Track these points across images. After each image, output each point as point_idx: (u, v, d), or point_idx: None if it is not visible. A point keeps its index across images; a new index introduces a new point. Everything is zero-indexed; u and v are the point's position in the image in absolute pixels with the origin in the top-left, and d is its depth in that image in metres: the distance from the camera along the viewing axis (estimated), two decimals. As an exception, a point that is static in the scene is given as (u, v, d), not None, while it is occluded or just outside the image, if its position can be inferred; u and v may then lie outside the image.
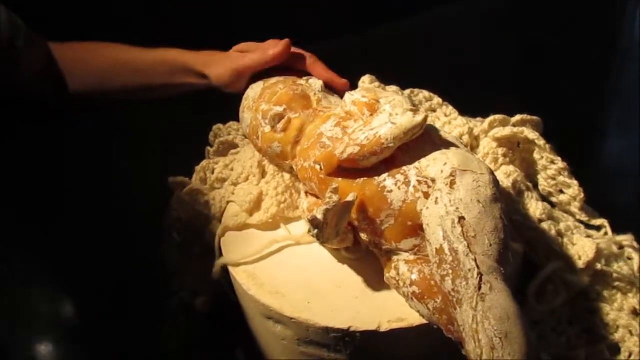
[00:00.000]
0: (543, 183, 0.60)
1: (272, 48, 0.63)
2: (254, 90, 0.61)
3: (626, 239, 0.57)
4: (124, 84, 0.70)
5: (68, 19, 0.82)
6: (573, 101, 0.99)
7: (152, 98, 0.73)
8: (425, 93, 0.67)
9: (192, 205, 0.64)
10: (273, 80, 0.60)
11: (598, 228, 0.59)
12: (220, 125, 0.73)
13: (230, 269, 0.55)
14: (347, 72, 0.66)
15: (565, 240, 0.55)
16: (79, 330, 0.70)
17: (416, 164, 0.45)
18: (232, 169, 0.65)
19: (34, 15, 0.69)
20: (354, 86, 0.65)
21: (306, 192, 0.56)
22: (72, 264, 0.73)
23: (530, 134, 0.58)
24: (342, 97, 0.61)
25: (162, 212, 0.67)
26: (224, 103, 0.68)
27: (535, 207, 0.56)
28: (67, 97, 0.70)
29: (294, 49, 0.64)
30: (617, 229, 0.59)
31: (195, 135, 0.76)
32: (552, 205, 0.59)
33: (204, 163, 0.68)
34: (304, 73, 0.64)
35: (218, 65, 0.65)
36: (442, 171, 0.43)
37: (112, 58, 0.70)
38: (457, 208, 0.41)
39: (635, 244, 0.57)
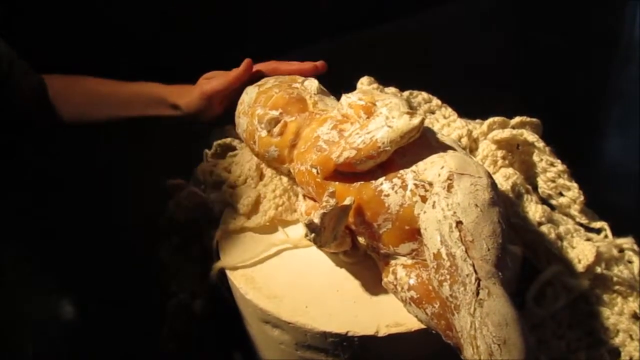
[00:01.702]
0: (542, 185, 0.59)
1: (234, 70, 0.66)
2: (249, 94, 0.60)
3: (626, 242, 0.57)
4: (105, 116, 0.74)
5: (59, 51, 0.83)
6: (573, 101, 0.99)
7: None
8: (424, 94, 0.66)
9: (190, 208, 0.63)
10: (268, 84, 0.60)
11: (598, 231, 0.59)
12: (218, 128, 0.72)
13: (228, 272, 0.54)
14: (346, 72, 0.66)
15: (565, 243, 0.54)
16: (79, 330, 0.70)
17: (413, 167, 0.45)
18: (230, 172, 0.65)
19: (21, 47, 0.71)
20: (353, 87, 0.65)
21: (304, 195, 0.56)
22: (72, 265, 0.73)
23: (530, 136, 0.58)
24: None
25: (161, 215, 0.66)
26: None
27: (534, 210, 0.56)
28: (55, 126, 0.73)
29: (256, 66, 0.67)
30: (617, 231, 0.59)
31: (194, 137, 0.76)
32: (552, 207, 0.59)
33: (202, 166, 0.68)
34: None
35: (187, 95, 0.69)
36: (439, 175, 0.43)
37: (93, 92, 0.75)
38: (455, 212, 0.40)
39: (635, 247, 0.57)
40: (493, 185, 0.43)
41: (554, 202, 0.59)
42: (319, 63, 0.66)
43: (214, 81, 0.67)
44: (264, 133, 0.56)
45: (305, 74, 0.64)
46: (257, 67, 0.68)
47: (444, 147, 0.46)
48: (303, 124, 0.54)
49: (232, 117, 0.64)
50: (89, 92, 0.74)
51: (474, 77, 1.05)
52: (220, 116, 0.70)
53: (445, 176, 0.43)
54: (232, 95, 0.67)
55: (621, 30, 1.26)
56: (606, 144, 0.98)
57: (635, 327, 0.52)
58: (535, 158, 0.59)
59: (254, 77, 0.66)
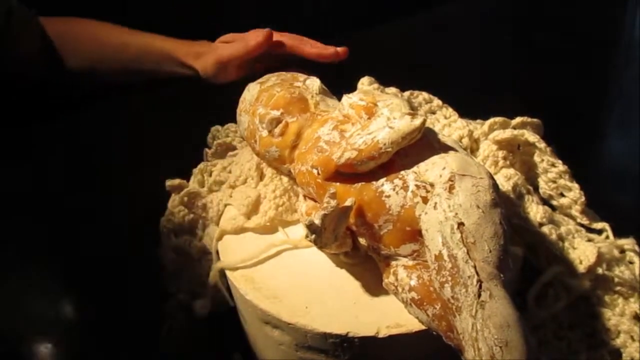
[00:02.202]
0: (543, 186, 0.59)
1: (254, 38, 0.63)
2: (250, 92, 0.60)
3: (627, 242, 0.57)
4: (115, 66, 0.71)
5: None
6: (573, 101, 0.99)
7: (144, 79, 0.73)
8: (425, 95, 0.66)
9: (190, 208, 0.63)
10: (270, 82, 0.60)
11: (599, 231, 0.58)
12: (218, 127, 0.72)
13: (228, 273, 0.54)
14: (347, 72, 0.66)
15: (566, 244, 0.54)
16: (79, 330, 0.70)
17: (414, 168, 0.45)
18: (230, 172, 0.65)
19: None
20: (353, 87, 0.65)
21: (304, 196, 0.56)
22: (71, 264, 0.72)
23: (531, 136, 0.58)
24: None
25: (160, 214, 0.66)
26: (223, 104, 0.68)
27: (535, 211, 0.56)
28: (62, 75, 0.71)
29: (276, 34, 0.64)
30: (618, 232, 0.58)
31: (193, 137, 0.76)
32: (553, 208, 0.59)
33: (201, 165, 0.68)
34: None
35: (203, 58, 0.66)
36: (440, 175, 0.43)
37: (104, 40, 0.71)
38: (456, 213, 0.40)
39: (636, 248, 0.56)
40: (494, 186, 0.43)
41: (555, 202, 0.59)
42: (341, 49, 0.63)
43: (231, 47, 0.64)
44: (265, 133, 0.56)
45: (325, 59, 0.62)
46: (279, 37, 0.65)
47: (445, 148, 0.46)
48: (304, 124, 0.54)
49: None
50: (98, 39, 0.71)
51: (474, 77, 1.05)
52: (235, 80, 0.68)
53: (447, 177, 0.42)
54: (250, 63, 0.64)
55: (621, 30, 1.26)
56: (607, 144, 0.97)
57: (637, 328, 0.52)
58: (537, 159, 0.59)
59: (274, 47, 0.63)
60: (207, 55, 0.65)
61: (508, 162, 0.59)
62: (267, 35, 0.62)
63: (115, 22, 0.73)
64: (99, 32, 0.71)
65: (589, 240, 0.56)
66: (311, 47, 0.64)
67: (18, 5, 0.68)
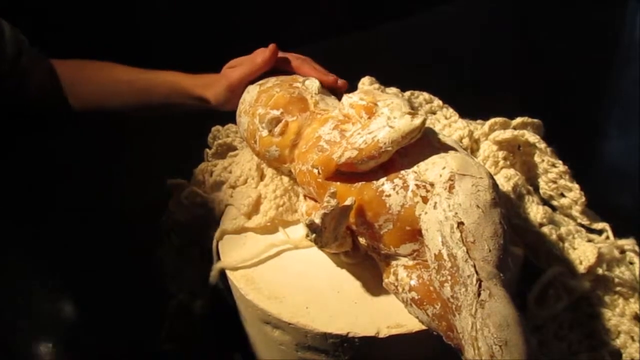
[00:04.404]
0: (544, 186, 0.59)
1: (261, 55, 0.64)
2: (250, 94, 0.60)
3: (628, 243, 0.57)
4: (123, 103, 0.72)
5: (69, 35, 0.82)
6: (573, 101, 0.99)
7: (151, 116, 0.74)
8: (426, 95, 0.66)
9: (190, 208, 0.63)
10: (269, 83, 0.60)
11: (599, 232, 0.58)
12: (219, 127, 0.72)
13: (228, 272, 0.54)
14: (347, 72, 0.66)
15: (566, 244, 0.54)
16: (79, 330, 0.70)
17: (415, 167, 0.45)
18: (230, 172, 0.65)
19: (34, 31, 0.70)
20: (353, 87, 0.65)
21: (305, 196, 0.56)
22: (72, 265, 0.72)
23: (531, 137, 0.58)
24: (335, 94, 0.61)
25: (161, 215, 0.66)
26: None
27: (535, 211, 0.56)
28: (68, 112, 0.72)
29: (281, 53, 0.65)
30: (618, 232, 0.58)
31: (194, 137, 0.76)
32: (553, 208, 0.59)
33: (202, 165, 0.68)
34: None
35: (213, 87, 0.66)
36: (440, 175, 0.43)
37: (112, 77, 0.72)
38: (456, 213, 0.40)
39: (636, 248, 0.57)
40: (494, 186, 0.43)
41: (555, 203, 0.59)
42: (341, 81, 0.64)
43: (239, 70, 0.64)
44: (265, 133, 0.56)
45: (325, 85, 0.62)
46: (283, 55, 0.65)
47: (445, 148, 0.46)
48: (304, 123, 0.54)
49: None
50: (105, 78, 0.71)
51: (474, 77, 1.05)
52: None
53: (447, 177, 0.42)
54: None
55: (621, 31, 1.26)
56: (607, 144, 0.97)
57: (637, 328, 0.52)
58: (537, 159, 0.59)
59: (280, 64, 0.64)
60: (217, 83, 0.66)
61: (508, 163, 0.59)
62: (273, 50, 0.63)
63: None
64: (106, 71, 0.73)
65: (589, 240, 0.56)
66: (314, 69, 0.64)
67: (28, 47, 0.69)
